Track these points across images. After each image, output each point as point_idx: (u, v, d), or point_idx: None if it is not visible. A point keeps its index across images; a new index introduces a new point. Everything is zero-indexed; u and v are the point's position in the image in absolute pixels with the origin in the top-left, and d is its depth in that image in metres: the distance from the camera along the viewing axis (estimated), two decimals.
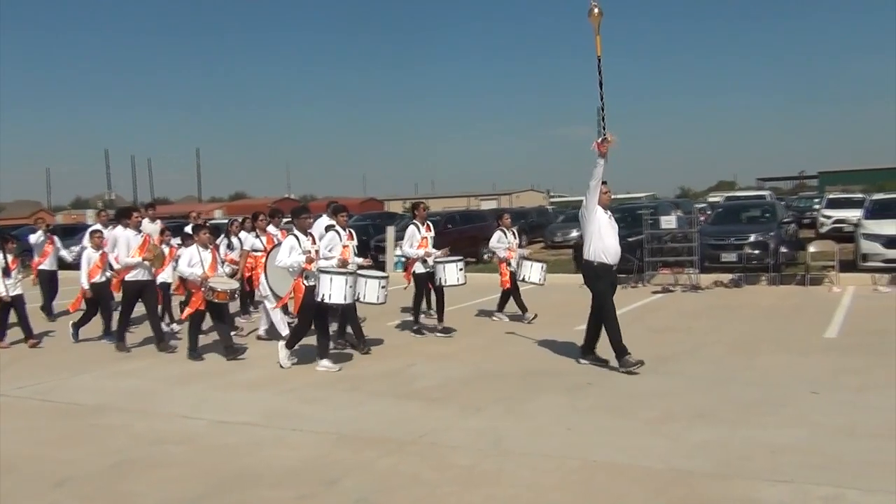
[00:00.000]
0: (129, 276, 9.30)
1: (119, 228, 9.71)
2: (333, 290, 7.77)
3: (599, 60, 7.38)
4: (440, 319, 9.92)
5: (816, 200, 30.57)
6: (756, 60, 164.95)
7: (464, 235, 20.03)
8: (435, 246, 9.91)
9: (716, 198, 36.36)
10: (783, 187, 76.51)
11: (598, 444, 5.20)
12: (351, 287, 7.92)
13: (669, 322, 10.24)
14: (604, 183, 7.35)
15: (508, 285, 10.71)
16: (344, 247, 8.53)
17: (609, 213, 7.56)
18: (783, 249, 14.94)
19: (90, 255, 9.86)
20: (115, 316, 9.95)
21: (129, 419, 6.34)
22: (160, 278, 10.03)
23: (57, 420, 6.40)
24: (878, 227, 14.12)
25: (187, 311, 8.78)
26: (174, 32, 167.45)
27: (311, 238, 8.11)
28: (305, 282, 7.87)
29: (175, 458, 5.30)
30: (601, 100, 7.48)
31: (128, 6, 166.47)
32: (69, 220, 49.16)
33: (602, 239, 7.36)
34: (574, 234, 22.74)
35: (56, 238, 12.76)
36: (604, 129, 7.26)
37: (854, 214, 18.90)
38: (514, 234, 11.16)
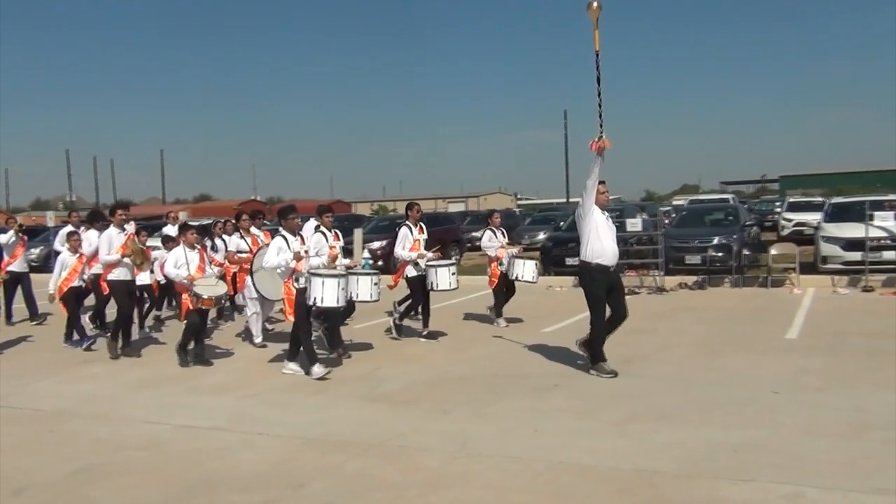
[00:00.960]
0: (112, 276, 8.94)
1: (92, 230, 9.51)
2: (326, 293, 7.55)
3: (598, 55, 7.21)
4: (426, 324, 9.68)
5: (778, 204, 31.17)
6: (719, 65, 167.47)
7: (432, 238, 19.96)
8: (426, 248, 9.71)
9: (680, 201, 36.87)
10: (746, 191, 77.77)
11: (565, 445, 5.23)
12: (343, 289, 7.71)
13: (635, 324, 10.29)
14: (601, 182, 7.24)
15: (495, 285, 10.50)
16: (331, 248, 8.37)
17: (606, 213, 7.43)
18: (746, 252, 15.19)
19: (65, 259, 9.57)
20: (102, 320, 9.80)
21: (90, 425, 6.23)
22: (137, 280, 9.64)
23: (14, 426, 6.25)
24: (837, 230, 14.42)
25: (182, 314, 8.58)
26: (136, 32, 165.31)
27: (300, 239, 7.89)
28: (295, 284, 7.66)
29: (138, 464, 5.22)
30: (598, 96, 7.28)
31: (89, 4, 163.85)
32: (29, 221, 48.15)
33: (599, 240, 7.20)
34: (541, 236, 22.90)
35: (26, 239, 12.24)
36: (601, 127, 7.11)
37: (814, 218, 19.30)
38: (503, 233, 10.97)
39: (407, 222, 9.69)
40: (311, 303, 7.58)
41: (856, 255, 13.60)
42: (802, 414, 5.74)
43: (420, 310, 9.71)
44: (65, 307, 9.66)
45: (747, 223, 17.58)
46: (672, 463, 4.79)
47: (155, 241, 12.35)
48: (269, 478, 4.83)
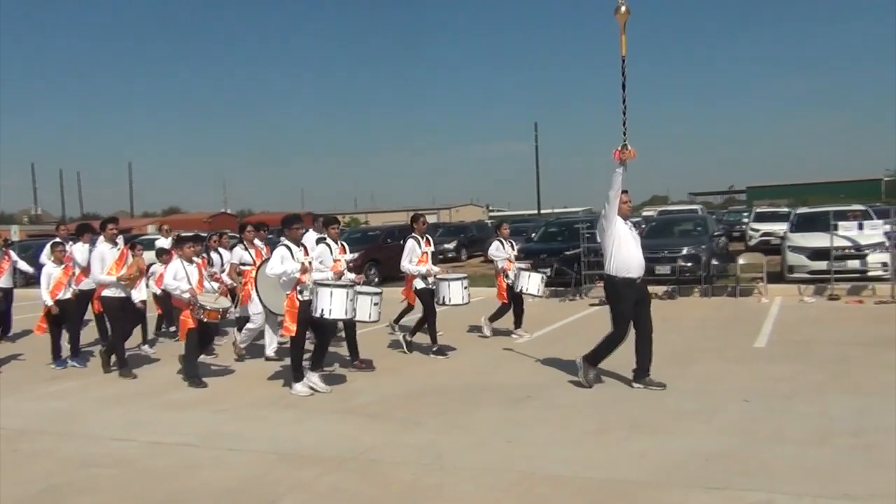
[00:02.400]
0: (105, 292, 8.65)
1: (80, 244, 9.29)
2: (334, 305, 7.25)
3: (624, 61, 7.03)
4: (434, 340, 9.24)
5: (745, 214, 31.60)
6: (686, 78, 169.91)
7: (401, 250, 19.98)
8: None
9: (650, 212, 37.23)
10: (714, 201, 78.95)
11: (538, 456, 5.24)
12: (352, 301, 7.44)
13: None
14: (624, 192, 7.05)
15: (506, 298, 10.34)
16: (335, 261, 8.08)
17: (630, 223, 7.20)
18: (714, 262, 15.38)
19: (51, 271, 9.24)
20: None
21: (56, 443, 6.10)
22: (134, 296, 9.21)
23: None
24: (803, 239, 14.67)
25: (181, 333, 8.22)
26: (100, 41, 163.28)
27: (303, 249, 7.58)
28: (300, 296, 7.36)
29: (106, 482, 5.13)
30: (623, 103, 7.08)
31: (53, 12, 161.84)
32: None
33: (623, 251, 6.95)
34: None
35: (12, 253, 11.72)
36: (625, 135, 6.94)
37: (780, 228, 19.61)
38: (511, 244, 10.73)
39: (414, 234, 9.31)
40: (317, 314, 7.27)
41: (821, 265, 13.84)
42: (772, 421, 5.81)
43: (422, 323, 9.37)
44: (45, 324, 9.31)
45: (716, 233, 17.81)
46: (645, 472, 4.82)
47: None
48: (241, 494, 4.77)
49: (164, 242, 11.65)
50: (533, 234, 20.64)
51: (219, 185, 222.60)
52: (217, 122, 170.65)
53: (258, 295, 8.53)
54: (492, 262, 10.85)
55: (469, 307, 9.89)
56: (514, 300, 10.38)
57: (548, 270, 10.66)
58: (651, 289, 14.30)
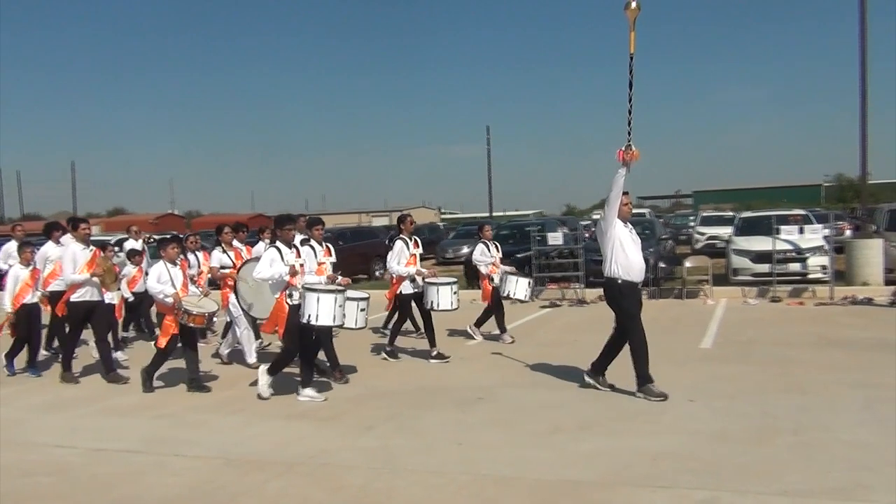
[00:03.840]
0: (75, 297, 8.16)
1: (50, 243, 9.00)
2: (321, 311, 6.96)
3: (632, 58, 6.86)
4: (433, 344, 8.96)
5: (692, 218, 32.28)
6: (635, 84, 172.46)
7: (355, 252, 19.93)
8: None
9: (599, 215, 37.71)
10: (661, 205, 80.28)
11: (489, 458, 5.25)
12: (340, 307, 7.10)
13: (557, 336, 10.50)
14: (625, 193, 6.88)
15: (490, 300, 10.07)
16: (320, 263, 7.72)
17: (629, 226, 7.03)
18: (662, 265, 15.66)
19: (18, 273, 8.73)
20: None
21: None
22: (106, 298, 8.82)
23: None
24: (747, 243, 15.04)
25: (161, 339, 7.69)
26: (41, 34, 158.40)
27: (295, 251, 7.25)
28: (289, 300, 7.08)
29: (47, 490, 4.98)
30: (629, 102, 6.90)
31: None
32: None
33: (624, 254, 6.78)
34: (465, 250, 23.05)
35: None
36: (629, 135, 6.77)
37: (726, 231, 20.08)
38: (496, 247, 10.41)
39: (402, 235, 9.02)
40: (304, 320, 7.00)
41: (764, 267, 14.21)
42: (716, 421, 5.93)
43: (419, 327, 9.08)
44: (14, 331, 8.79)
45: (663, 237, 18.17)
46: (594, 472, 4.87)
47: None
48: (186, 501, 4.68)
49: (134, 244, 11.25)
50: None
51: (165, 186, 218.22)
52: (163, 121, 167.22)
53: (238, 298, 8.14)
54: (475, 266, 10.48)
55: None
56: (497, 304, 10.13)
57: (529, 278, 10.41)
58: (600, 291, 14.59)
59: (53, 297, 8.97)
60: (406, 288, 8.93)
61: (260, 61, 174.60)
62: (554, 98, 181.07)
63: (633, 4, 6.84)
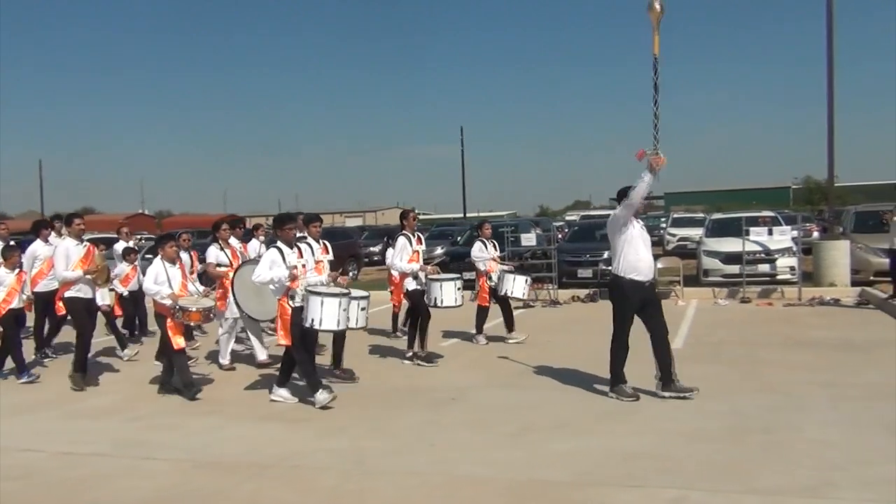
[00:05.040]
0: (70, 293, 7.97)
1: (38, 242, 8.81)
2: (325, 315, 6.73)
3: (656, 60, 6.69)
4: (423, 345, 8.79)
5: (663, 219, 32.58)
6: (606, 85, 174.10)
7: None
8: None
9: (573, 216, 37.99)
10: None
11: (462, 458, 5.26)
12: (345, 310, 6.88)
13: (530, 337, 10.52)
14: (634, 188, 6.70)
15: (487, 302, 9.91)
16: (317, 262, 7.43)
17: (640, 222, 6.88)
18: None
19: (2, 278, 8.34)
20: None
21: None
22: (98, 299, 8.65)
23: None
24: (717, 244, 15.23)
25: (173, 339, 7.39)
26: (4, 30, 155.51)
27: (297, 251, 7.03)
28: (291, 302, 6.83)
29: (14, 495, 4.88)
30: (655, 104, 6.72)
31: None
32: None
33: (635, 252, 6.65)
34: (439, 250, 23.05)
35: None
36: (656, 137, 6.57)
37: (696, 233, 20.30)
38: (494, 245, 10.28)
39: (404, 231, 8.87)
40: (307, 324, 6.78)
41: (734, 268, 14.40)
42: (687, 420, 5.99)
43: (416, 327, 8.84)
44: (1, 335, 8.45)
45: None
46: (566, 472, 4.90)
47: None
48: None
49: (125, 244, 11.03)
50: (458, 238, 20.76)
51: (135, 185, 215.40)
52: (133, 120, 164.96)
53: (235, 299, 7.96)
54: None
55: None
56: (501, 303, 10.00)
57: (526, 277, 10.26)
58: (573, 292, 14.73)
59: (39, 299, 8.81)
60: (411, 284, 8.74)
61: (231, 60, 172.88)
62: (527, 99, 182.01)
63: (657, 5, 6.73)
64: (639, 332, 6.87)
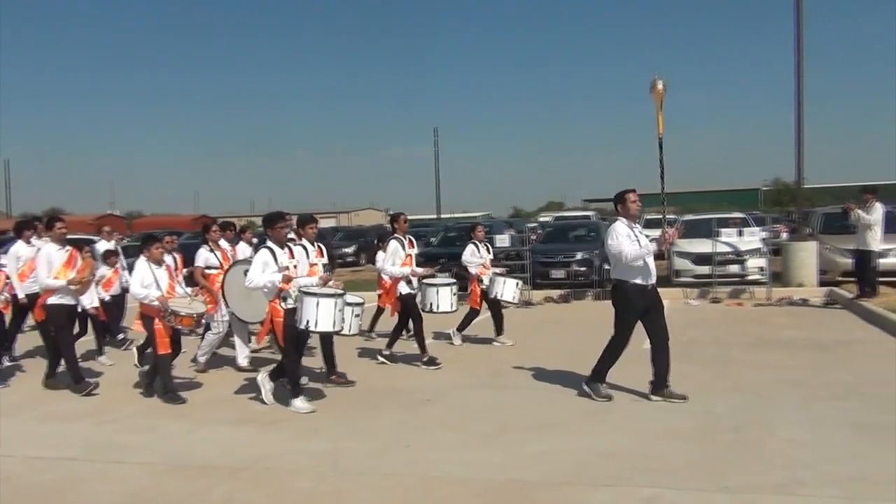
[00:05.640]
0: (52, 300, 7.63)
1: (20, 243, 8.59)
2: (320, 316, 6.57)
3: (661, 140, 6.60)
4: (423, 349, 8.59)
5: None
6: (578, 87, 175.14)
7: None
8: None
9: (546, 217, 38.12)
10: (607, 208, 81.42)
11: (438, 459, 5.27)
12: (340, 311, 6.75)
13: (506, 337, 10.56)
14: (633, 191, 6.71)
15: (479, 305, 9.83)
16: (312, 265, 7.33)
17: (638, 226, 6.79)
18: (606, 266, 15.88)
19: None
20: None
21: None
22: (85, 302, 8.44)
23: None
24: (688, 245, 15.39)
25: (160, 342, 7.22)
26: None
27: (288, 251, 6.87)
28: (283, 304, 6.68)
29: None
30: (661, 180, 6.66)
31: None
32: None
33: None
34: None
35: None
36: (664, 211, 6.44)
37: None
38: (487, 248, 10.15)
39: (396, 235, 8.70)
40: (302, 326, 6.63)
41: (705, 269, 14.58)
42: (660, 419, 6.05)
43: (400, 330, 8.77)
44: None
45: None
46: (542, 472, 4.92)
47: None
48: None
49: (107, 245, 10.84)
50: (432, 239, 20.77)
51: (105, 186, 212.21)
52: (103, 120, 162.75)
53: (225, 301, 7.74)
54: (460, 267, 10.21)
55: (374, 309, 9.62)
56: (491, 307, 9.93)
57: (518, 281, 10.21)
58: (547, 293, 14.80)
59: (18, 302, 8.62)
60: (404, 289, 8.60)
61: (203, 60, 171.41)
62: (501, 100, 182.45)
63: (660, 86, 6.69)
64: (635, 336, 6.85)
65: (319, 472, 5.08)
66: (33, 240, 8.94)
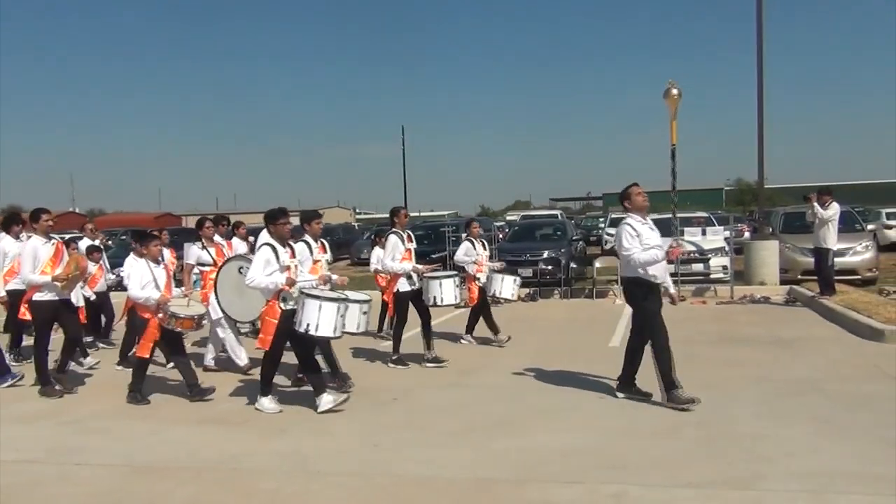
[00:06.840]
0: (38, 296, 7.34)
1: (8, 238, 8.29)
2: (322, 321, 6.31)
3: (674, 149, 6.55)
4: (429, 346, 8.48)
5: (602, 220, 33.17)
6: (549, 88, 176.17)
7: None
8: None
9: (513, 216, 38.32)
10: (573, 207, 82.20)
11: (405, 458, 5.26)
12: (342, 316, 6.47)
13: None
14: (636, 185, 6.62)
15: (476, 302, 9.65)
16: (315, 262, 7.11)
17: (649, 221, 6.63)
18: (573, 265, 16.06)
19: None
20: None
21: None
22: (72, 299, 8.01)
23: None
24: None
25: (143, 344, 7.08)
26: None
27: (289, 250, 6.61)
28: (282, 304, 6.42)
29: None
30: (673, 190, 6.46)
31: None
32: None
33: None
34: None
35: None
36: (675, 219, 6.21)
37: None
38: (483, 245, 9.99)
39: (395, 229, 8.48)
40: (301, 329, 6.38)
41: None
42: (625, 416, 6.12)
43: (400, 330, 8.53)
44: None
45: (574, 238, 18.59)
46: (508, 469, 4.95)
47: None
48: None
49: (90, 243, 10.55)
50: None
51: (65, 182, 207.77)
52: (61, 113, 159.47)
53: (217, 299, 7.53)
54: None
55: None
56: (483, 304, 9.74)
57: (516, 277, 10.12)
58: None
59: (12, 297, 8.34)
60: (403, 286, 8.41)
61: (164, 51, 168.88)
62: (466, 99, 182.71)
63: (675, 92, 6.55)
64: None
65: (285, 473, 5.04)
66: (22, 235, 8.64)
